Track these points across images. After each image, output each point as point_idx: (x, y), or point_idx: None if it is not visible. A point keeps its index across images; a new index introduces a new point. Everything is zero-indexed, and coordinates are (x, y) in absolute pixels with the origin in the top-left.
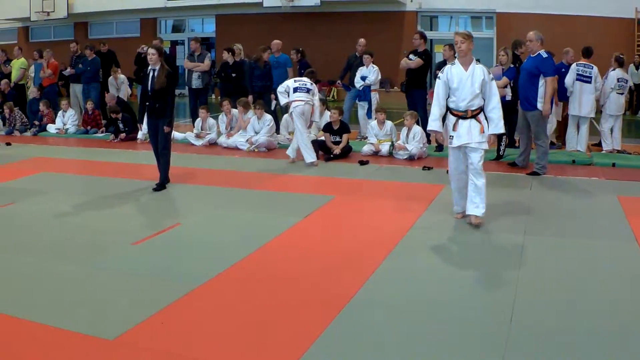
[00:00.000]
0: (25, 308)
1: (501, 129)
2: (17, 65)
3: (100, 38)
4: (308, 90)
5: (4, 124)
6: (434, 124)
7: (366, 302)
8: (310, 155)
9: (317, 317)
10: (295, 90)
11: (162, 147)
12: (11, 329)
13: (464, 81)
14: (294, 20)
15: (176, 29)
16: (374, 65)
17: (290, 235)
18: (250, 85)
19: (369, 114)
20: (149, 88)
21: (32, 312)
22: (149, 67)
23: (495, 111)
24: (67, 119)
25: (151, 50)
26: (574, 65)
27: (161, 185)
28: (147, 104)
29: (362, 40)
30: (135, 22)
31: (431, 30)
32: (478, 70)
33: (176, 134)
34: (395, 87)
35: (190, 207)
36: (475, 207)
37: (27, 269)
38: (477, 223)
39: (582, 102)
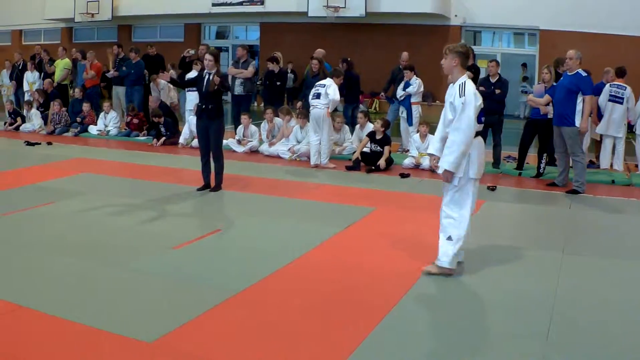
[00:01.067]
0: (64, 308)
1: (444, 165)
2: (61, 66)
3: (144, 41)
4: (318, 95)
5: (45, 123)
6: (432, 146)
7: (404, 316)
8: (313, 159)
9: (354, 330)
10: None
11: (214, 150)
12: (50, 328)
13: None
14: (338, 31)
15: (220, 35)
16: (417, 78)
17: (330, 245)
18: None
19: (409, 121)
20: (203, 91)
21: (71, 312)
22: (204, 71)
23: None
24: (108, 121)
25: (208, 56)
26: (607, 86)
27: (217, 187)
28: (199, 105)
29: (404, 54)
30: (179, 27)
31: (474, 45)
32: (451, 91)
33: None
34: (438, 101)
35: (231, 214)
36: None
37: (67, 269)
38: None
39: (610, 122)
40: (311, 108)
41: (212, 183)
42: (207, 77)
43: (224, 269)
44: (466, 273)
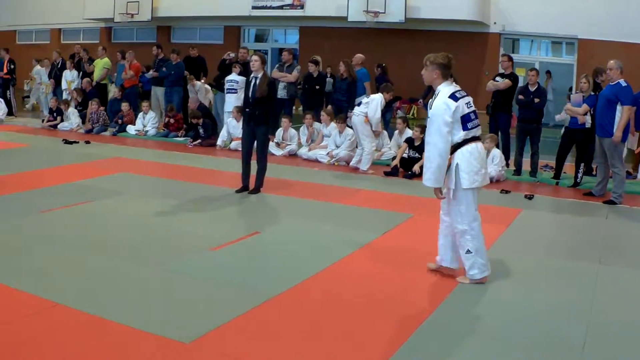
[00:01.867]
0: (103, 306)
1: (425, 182)
2: (101, 65)
3: (183, 43)
4: (359, 104)
5: (83, 122)
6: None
7: (439, 326)
8: (355, 160)
9: (389, 338)
10: None
11: (259, 154)
12: (88, 327)
13: None
14: (376, 36)
15: (259, 38)
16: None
17: (367, 251)
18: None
19: None
20: (250, 95)
21: (109, 311)
22: (251, 75)
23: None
24: (147, 121)
25: (254, 57)
26: None
27: (257, 190)
28: (246, 110)
29: None
30: (218, 29)
31: (512, 52)
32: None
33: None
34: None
35: (269, 216)
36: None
37: (105, 268)
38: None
39: None
40: (353, 115)
41: (251, 185)
42: (253, 81)
43: (262, 272)
44: (502, 283)
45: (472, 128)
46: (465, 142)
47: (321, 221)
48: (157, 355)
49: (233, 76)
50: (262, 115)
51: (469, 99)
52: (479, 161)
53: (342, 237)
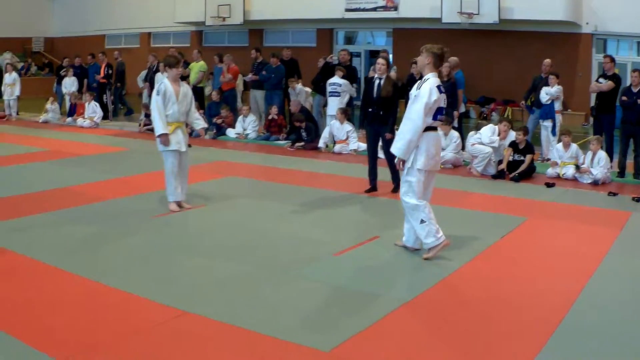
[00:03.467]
0: (230, 314)
1: (393, 150)
2: (197, 69)
3: (275, 46)
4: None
5: None
6: None
7: (577, 328)
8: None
9: (528, 340)
10: None
11: (388, 153)
12: (221, 335)
13: None
14: (470, 37)
15: (348, 40)
16: (559, 86)
17: (489, 256)
18: None
19: (553, 132)
20: (374, 96)
21: (238, 318)
22: (375, 76)
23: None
24: (247, 124)
25: (381, 61)
26: None
27: (398, 187)
28: (370, 110)
29: (547, 61)
30: (311, 32)
31: (604, 53)
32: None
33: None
34: (569, 109)
35: (385, 220)
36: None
37: (229, 274)
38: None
39: None
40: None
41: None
42: (377, 82)
43: (388, 278)
44: (622, 288)
45: (438, 120)
46: (428, 128)
47: (439, 225)
48: None
49: (335, 79)
50: (386, 115)
51: (445, 96)
52: (437, 148)
53: (462, 241)
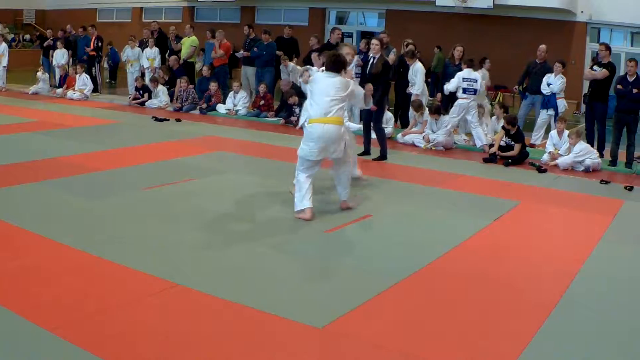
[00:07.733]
0: (228, 290)
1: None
2: (188, 43)
3: (267, 24)
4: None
5: (170, 100)
6: None
7: (573, 308)
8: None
9: (526, 319)
10: None
11: (376, 123)
12: (215, 309)
13: None
14: (463, 22)
15: (340, 20)
16: (562, 76)
17: (483, 237)
18: None
19: (556, 118)
20: (367, 73)
21: (234, 294)
22: (370, 55)
23: None
24: (237, 101)
25: (374, 41)
26: None
27: (382, 157)
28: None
29: (542, 47)
30: (303, 11)
31: (598, 42)
32: None
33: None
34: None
35: (377, 200)
36: None
37: (223, 249)
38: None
39: None
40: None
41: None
42: (372, 60)
43: (382, 256)
44: (618, 272)
45: None
46: None
47: (430, 205)
48: (290, 341)
49: None
50: (375, 90)
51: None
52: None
53: (455, 223)
